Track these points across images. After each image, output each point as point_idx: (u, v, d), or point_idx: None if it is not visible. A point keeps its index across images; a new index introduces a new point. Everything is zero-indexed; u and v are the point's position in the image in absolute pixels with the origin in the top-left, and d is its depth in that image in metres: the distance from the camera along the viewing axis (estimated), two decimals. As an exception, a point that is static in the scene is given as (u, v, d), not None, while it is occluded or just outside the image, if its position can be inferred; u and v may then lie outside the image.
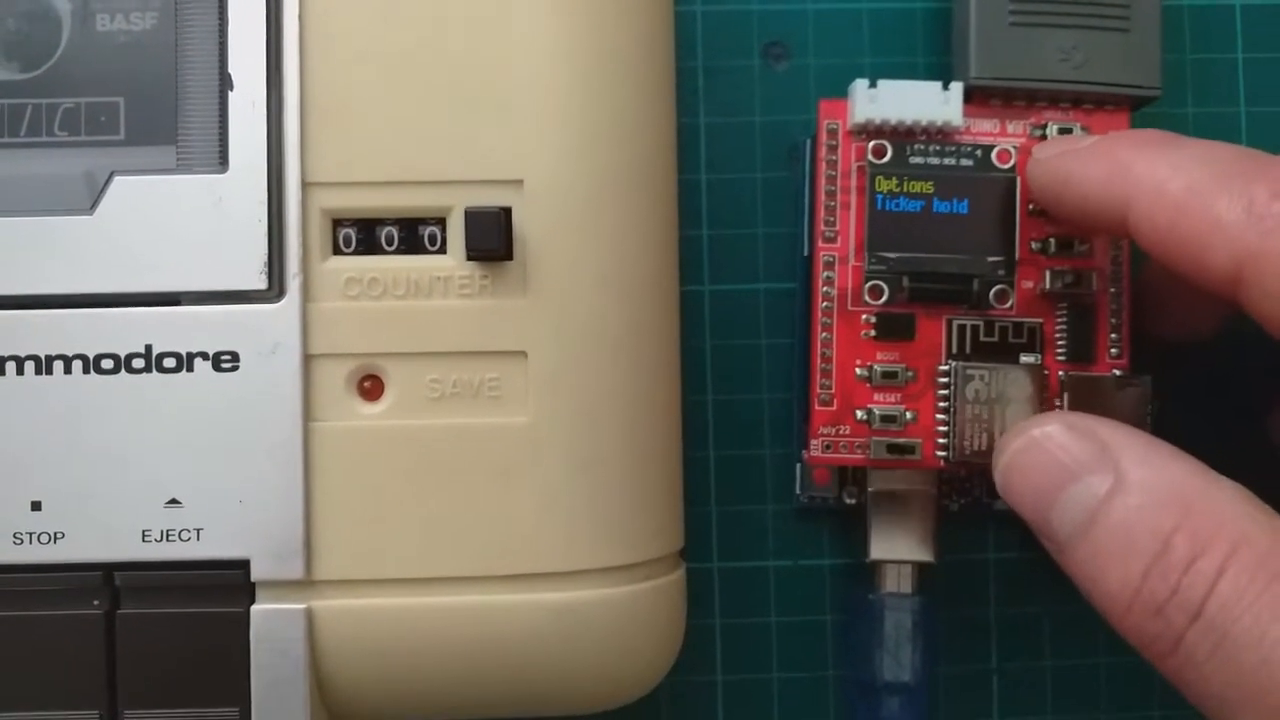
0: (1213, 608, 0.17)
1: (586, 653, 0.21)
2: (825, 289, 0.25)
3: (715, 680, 0.27)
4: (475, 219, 0.20)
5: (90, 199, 0.21)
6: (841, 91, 0.25)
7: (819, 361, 0.25)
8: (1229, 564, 0.17)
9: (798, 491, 0.27)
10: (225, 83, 0.21)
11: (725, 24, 0.28)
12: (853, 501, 0.27)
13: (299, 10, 0.21)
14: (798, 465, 0.27)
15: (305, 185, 0.21)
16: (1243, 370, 0.27)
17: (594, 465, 0.21)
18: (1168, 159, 0.21)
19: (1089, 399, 0.25)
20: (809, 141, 0.26)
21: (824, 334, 0.25)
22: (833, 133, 0.25)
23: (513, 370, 0.21)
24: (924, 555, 0.26)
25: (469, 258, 0.21)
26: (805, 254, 0.26)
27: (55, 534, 0.21)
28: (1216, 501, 0.18)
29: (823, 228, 0.25)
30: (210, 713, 0.20)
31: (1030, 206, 0.25)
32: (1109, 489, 0.19)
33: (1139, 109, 0.26)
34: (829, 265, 0.25)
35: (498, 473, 0.21)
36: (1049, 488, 0.20)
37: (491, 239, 0.20)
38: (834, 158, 0.25)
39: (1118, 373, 0.25)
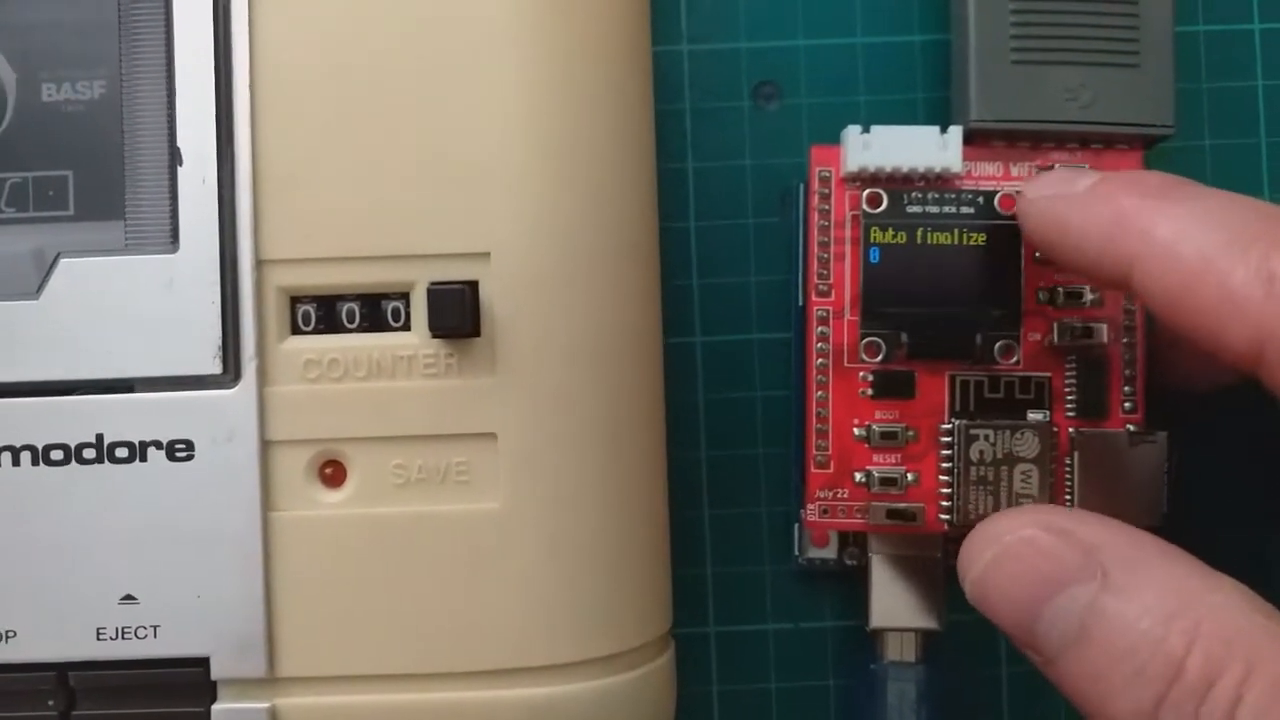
0: None
1: (567, 749, 0.20)
2: (820, 345, 0.24)
3: (712, 751, 0.26)
4: (439, 296, 0.19)
5: (36, 281, 0.20)
6: (836, 132, 0.24)
7: (814, 421, 0.24)
8: (1247, 688, 0.16)
9: (796, 553, 0.26)
10: (175, 157, 0.20)
11: (714, 64, 0.26)
12: (854, 563, 0.25)
13: (250, 79, 0.20)
14: (795, 525, 0.26)
15: (259, 263, 0.20)
16: (1265, 418, 0.26)
17: (572, 551, 0.20)
18: (1177, 216, 0.19)
19: (1101, 457, 0.24)
20: (802, 185, 0.25)
21: (819, 392, 0.24)
22: (825, 180, 0.24)
23: (482, 453, 0.20)
24: (929, 623, 0.25)
25: (434, 335, 0.20)
26: (800, 303, 0.25)
27: (6, 633, 0.20)
28: (1222, 611, 0.17)
29: (816, 281, 0.24)
30: (172, 818, 0.20)
31: (1036, 255, 0.24)
32: (1100, 598, 0.18)
33: (1152, 147, 0.24)
34: (823, 320, 0.24)
35: (469, 562, 0.20)
36: (1031, 600, 0.19)
37: (456, 316, 0.19)
38: (826, 207, 0.24)
39: (1132, 428, 0.24)
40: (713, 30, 0.26)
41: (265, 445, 0.20)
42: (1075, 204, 0.21)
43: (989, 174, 0.24)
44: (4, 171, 0.21)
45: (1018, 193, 0.23)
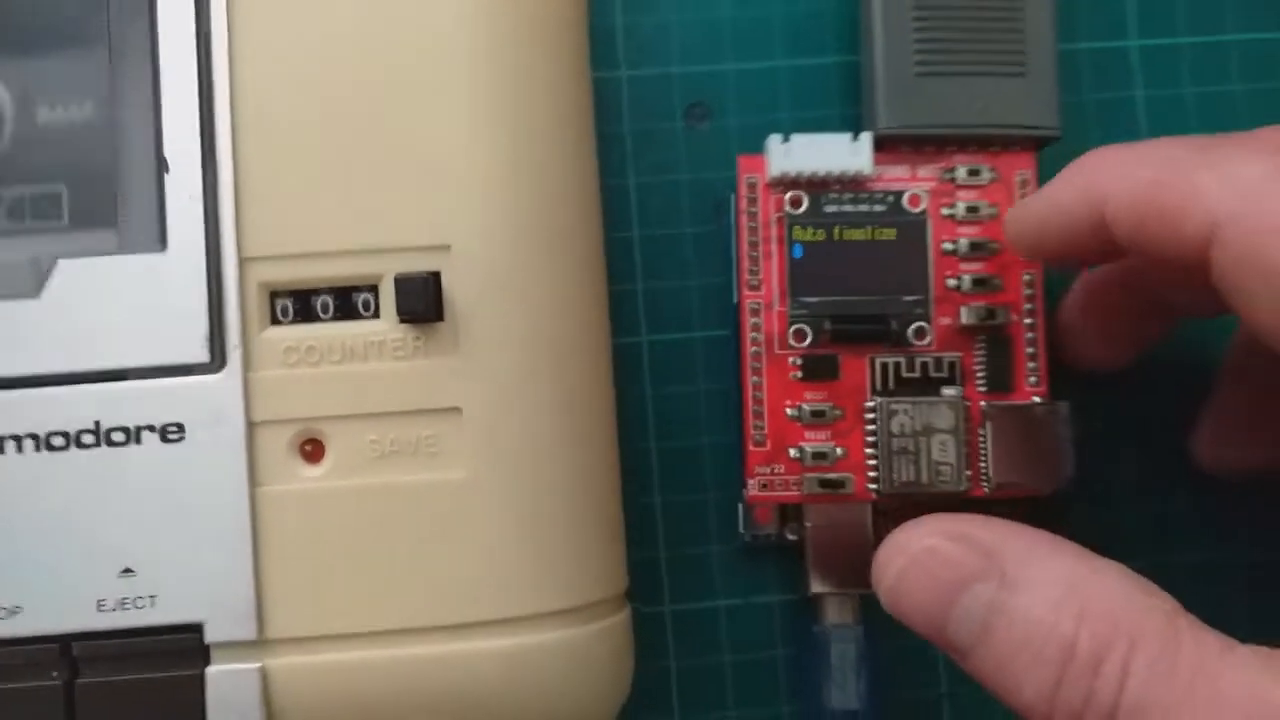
0: (1126, 706, 0.18)
1: (536, 697, 0.22)
2: (753, 334, 0.26)
3: (672, 721, 0.28)
4: (405, 284, 0.21)
5: (37, 283, 0.22)
6: (761, 146, 0.27)
7: (751, 404, 0.26)
8: (1131, 662, 0.18)
9: (741, 530, 0.28)
10: (162, 165, 0.22)
11: (649, 88, 0.29)
12: (794, 538, 0.27)
13: (230, 93, 0.22)
14: (740, 505, 0.28)
15: (242, 260, 0.22)
16: (1162, 392, 0.28)
17: (532, 514, 0.22)
18: (1133, 151, 0.22)
19: (1011, 427, 0.26)
20: (733, 195, 0.28)
21: (754, 377, 0.26)
22: (752, 186, 0.27)
23: (449, 427, 0.22)
24: (863, 586, 0.26)
25: (401, 320, 0.22)
26: (735, 301, 0.27)
27: (12, 608, 0.21)
28: (1106, 592, 0.19)
29: (747, 276, 0.27)
30: (170, 775, 0.21)
31: (942, 246, 0.26)
32: (999, 595, 0.19)
33: (1042, 149, 0.27)
34: (755, 312, 0.26)
35: (440, 526, 0.22)
36: (939, 604, 0.20)
37: (421, 302, 0.21)
38: (754, 209, 0.27)
39: (1037, 400, 0.26)
40: (647, 56, 0.29)
41: (250, 426, 0.22)
42: (1045, 189, 0.23)
43: (898, 175, 0.27)
44: (2, 187, 0.22)
45: (934, 195, 0.26)
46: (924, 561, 0.21)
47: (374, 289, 0.22)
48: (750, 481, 0.26)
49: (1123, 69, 0.29)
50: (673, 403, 0.28)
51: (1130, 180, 0.21)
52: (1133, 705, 0.18)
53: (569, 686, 0.22)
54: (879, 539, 0.26)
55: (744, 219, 0.27)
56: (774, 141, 0.26)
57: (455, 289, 0.22)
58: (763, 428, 0.26)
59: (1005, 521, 0.21)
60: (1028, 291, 0.27)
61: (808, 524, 0.27)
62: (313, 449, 0.22)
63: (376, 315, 0.22)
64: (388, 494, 0.22)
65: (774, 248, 0.26)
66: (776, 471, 0.26)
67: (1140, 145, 0.22)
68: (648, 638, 0.26)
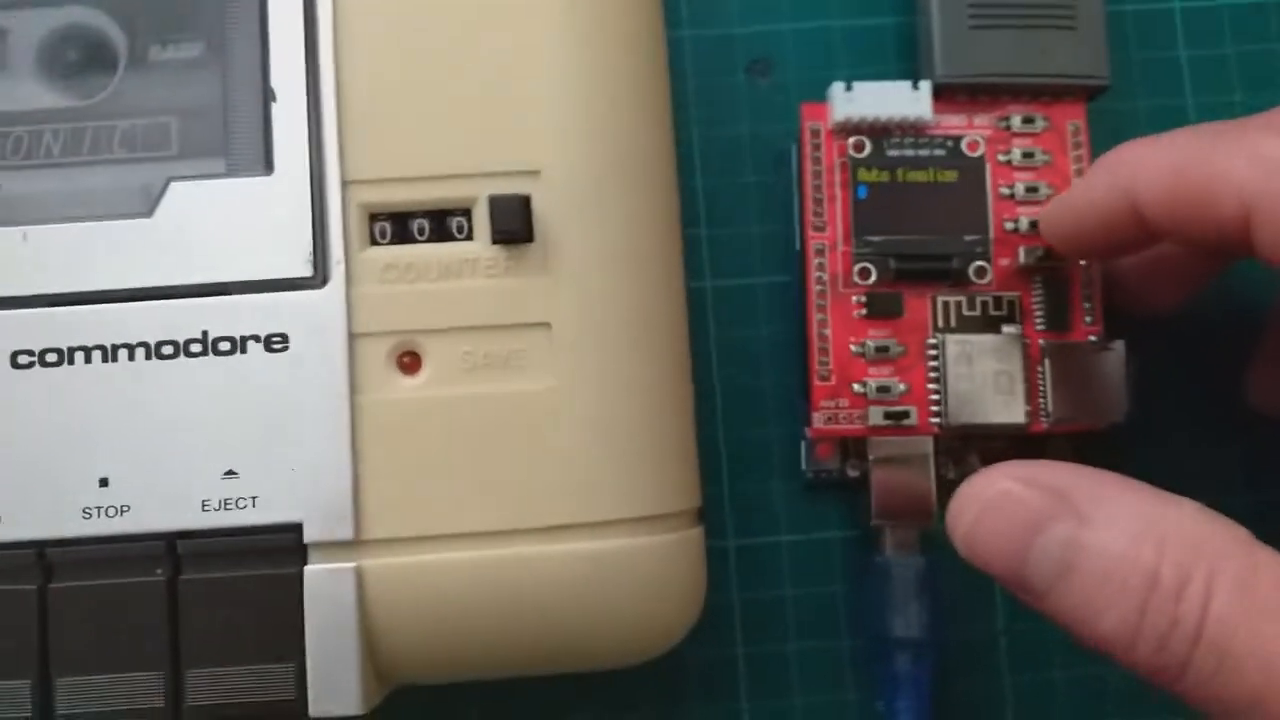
0: (1210, 629, 0.18)
1: (617, 600, 0.23)
2: (818, 274, 0.28)
3: (736, 653, 0.28)
4: (499, 205, 0.23)
5: (149, 204, 0.23)
6: (821, 99, 0.28)
7: (816, 341, 0.27)
8: (1214, 584, 0.18)
9: (803, 467, 0.29)
10: (268, 96, 0.23)
11: (712, 46, 0.30)
12: (856, 474, 0.28)
13: (333, 26, 0.23)
14: (802, 443, 0.29)
15: (344, 183, 0.23)
16: (1217, 334, 0.29)
17: (615, 424, 0.23)
18: (1158, 141, 0.23)
19: (1068, 364, 0.27)
20: (794, 146, 0.29)
21: (819, 315, 0.27)
22: (815, 133, 0.28)
23: (537, 341, 0.23)
24: (924, 519, 0.27)
25: (494, 241, 0.23)
26: (797, 248, 0.28)
27: (121, 507, 0.22)
28: (1183, 524, 0.19)
29: (811, 218, 0.28)
30: (267, 669, 0.22)
31: (1000, 190, 0.27)
32: (1077, 532, 0.20)
33: (1093, 99, 0.28)
34: (820, 252, 0.28)
35: (528, 434, 0.23)
36: (1016, 546, 0.20)
37: (514, 223, 0.23)
38: (818, 154, 0.28)
39: (1093, 339, 0.27)
40: (709, 16, 0.30)
41: (351, 337, 0.23)
42: (1077, 185, 0.25)
43: (956, 124, 0.28)
44: (117, 120, 0.24)
45: (990, 141, 0.27)
46: (999, 505, 0.21)
47: (467, 212, 0.23)
48: (815, 415, 0.27)
49: (1167, 29, 0.31)
50: (736, 344, 0.29)
51: (1158, 169, 0.22)
52: (1217, 626, 0.18)
53: (647, 592, 0.23)
54: (939, 473, 0.28)
55: (808, 163, 0.28)
56: (837, 88, 0.27)
57: (544, 212, 0.23)
58: (827, 363, 0.27)
59: (1073, 465, 0.21)
60: (1082, 233, 0.27)
61: (871, 456, 0.27)
62: (410, 361, 0.23)
63: (470, 237, 0.23)
64: (479, 403, 0.23)
65: (838, 191, 0.28)
66: (841, 405, 0.27)
67: (1166, 135, 0.23)
68: (711, 572, 0.27)
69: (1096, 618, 0.19)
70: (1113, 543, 0.19)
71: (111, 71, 0.24)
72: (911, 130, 0.28)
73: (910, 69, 0.30)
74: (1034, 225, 0.27)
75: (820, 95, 0.28)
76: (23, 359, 0.22)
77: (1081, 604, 0.20)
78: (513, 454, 0.23)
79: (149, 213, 0.23)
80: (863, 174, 0.27)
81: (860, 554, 0.29)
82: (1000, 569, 0.21)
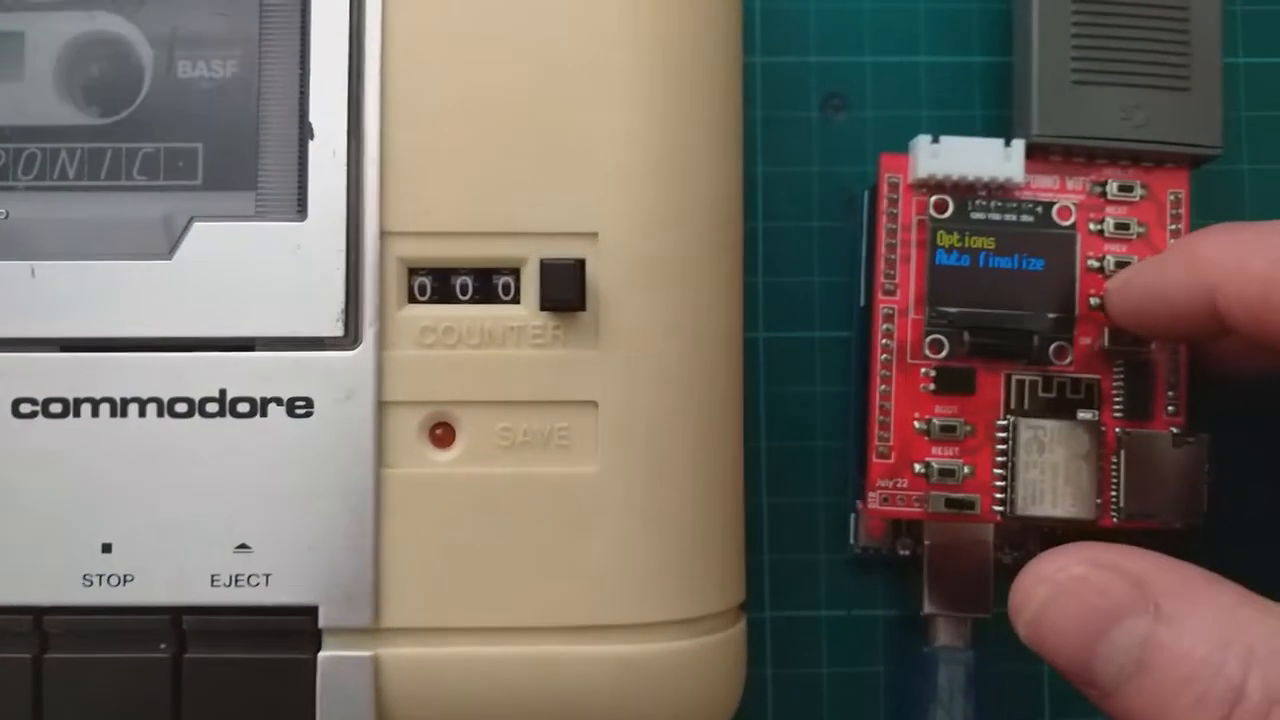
0: None
1: (649, 706, 0.21)
2: (884, 341, 0.25)
3: (766, 731, 0.27)
4: (551, 270, 0.21)
5: (169, 244, 0.21)
6: (898, 143, 0.26)
7: (877, 414, 0.25)
8: None
9: (852, 541, 0.27)
10: (305, 131, 0.21)
11: (784, 75, 0.28)
12: (906, 553, 0.27)
13: (380, 60, 0.21)
14: (852, 515, 0.27)
15: (383, 234, 0.21)
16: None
17: (662, 516, 0.21)
18: (1243, 241, 0.21)
19: (1146, 456, 0.25)
20: (867, 193, 0.26)
21: (883, 386, 0.25)
22: (894, 186, 0.26)
23: (583, 420, 0.21)
24: (978, 609, 0.26)
25: (543, 308, 0.21)
26: (862, 304, 0.26)
27: (125, 576, 0.21)
28: (1275, 633, 0.18)
29: (882, 280, 0.25)
30: (275, 759, 0.20)
31: (1089, 263, 0.25)
32: (1155, 630, 0.18)
33: (1198, 167, 0.26)
34: (888, 318, 0.25)
35: (567, 522, 0.21)
36: (1087, 635, 0.19)
37: (566, 290, 0.21)
38: (895, 211, 0.26)
39: (1175, 430, 0.25)
40: (786, 44, 0.28)
41: (381, 405, 0.21)
42: (1153, 266, 0.23)
43: (1047, 186, 0.26)
44: (138, 142, 0.22)
45: (1083, 208, 0.25)
46: (1072, 591, 0.20)
47: (516, 273, 0.21)
48: (871, 494, 0.25)
49: (1280, 86, 0.28)
50: (787, 403, 0.28)
51: (1247, 276, 0.21)
52: None
53: (681, 698, 0.22)
54: (998, 562, 0.26)
55: (883, 219, 0.26)
56: (922, 142, 0.25)
57: (599, 278, 0.21)
58: (888, 439, 0.25)
59: (1156, 554, 0.20)
60: (1173, 316, 0.25)
61: (926, 541, 0.26)
62: (443, 433, 0.21)
63: (517, 300, 0.21)
64: (516, 485, 0.21)
65: (913, 251, 0.25)
66: (899, 486, 0.25)
67: (1254, 231, 0.21)
68: (747, 643, 0.26)
69: None
70: (1195, 646, 0.18)
71: (136, 88, 0.22)
72: (999, 192, 0.25)
73: (997, 115, 0.28)
74: (1122, 303, 0.25)
75: (899, 137, 0.26)
76: (25, 407, 0.21)
77: (1153, 709, 0.18)
78: (549, 543, 0.21)
79: (169, 254, 0.21)
80: (943, 237, 0.25)
81: (905, 636, 0.27)
82: (1066, 660, 0.20)
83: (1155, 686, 0.18)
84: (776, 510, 0.27)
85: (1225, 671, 0.18)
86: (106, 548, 0.21)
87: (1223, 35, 0.25)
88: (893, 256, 0.26)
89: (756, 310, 0.28)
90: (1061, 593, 0.20)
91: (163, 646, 0.21)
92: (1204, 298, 0.21)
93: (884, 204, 0.26)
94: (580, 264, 0.21)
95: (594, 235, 0.21)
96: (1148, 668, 0.18)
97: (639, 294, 0.21)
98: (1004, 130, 0.27)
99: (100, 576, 0.21)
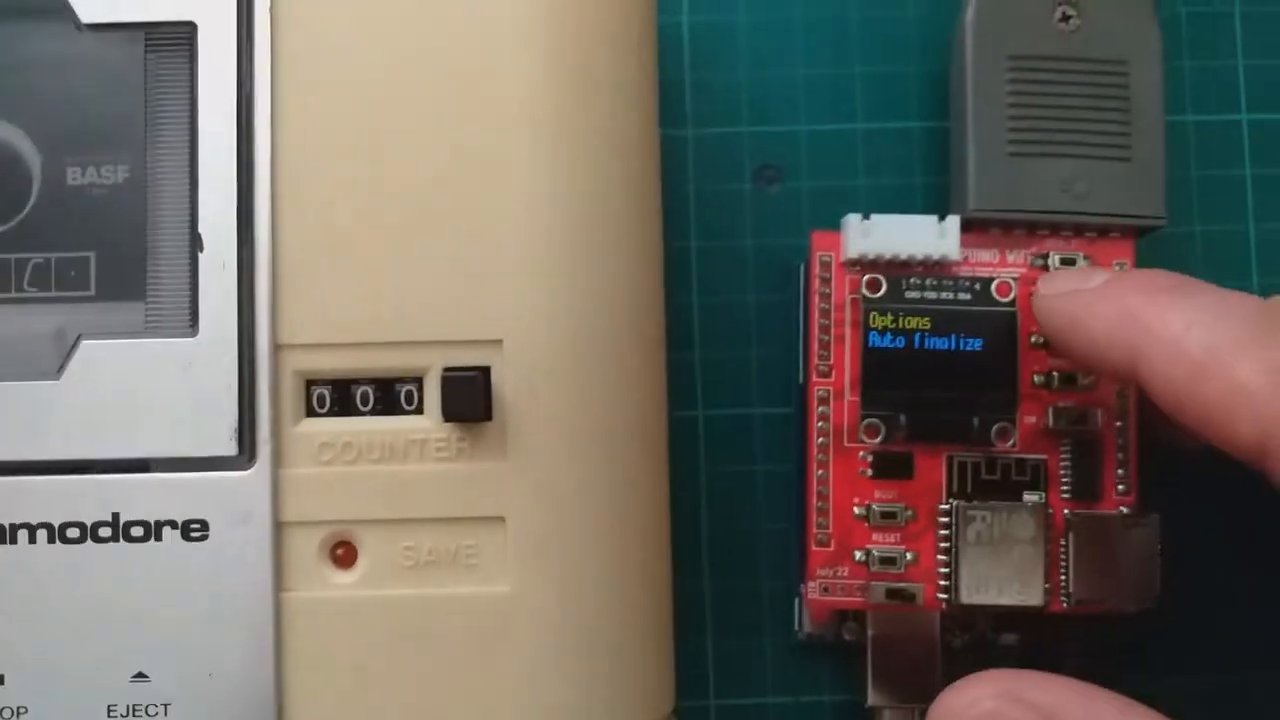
0: None
1: (573, 830, 0.20)
2: (820, 424, 0.25)
3: (712, 824, 0.26)
4: (452, 382, 0.20)
5: (57, 362, 0.20)
6: (836, 214, 0.25)
7: (815, 500, 0.25)
8: None
9: (796, 627, 0.26)
10: (195, 242, 0.20)
11: (716, 147, 0.27)
12: (852, 639, 0.26)
13: (271, 168, 0.20)
14: (796, 600, 0.26)
15: (277, 348, 0.20)
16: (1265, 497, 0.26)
17: (579, 634, 0.20)
18: (1180, 312, 0.20)
19: (1096, 539, 0.24)
20: (803, 265, 0.26)
21: (820, 471, 0.25)
22: (825, 264, 0.25)
23: (491, 537, 0.20)
24: (925, 700, 0.25)
25: (446, 419, 0.20)
26: (800, 380, 0.26)
27: (18, 709, 0.20)
28: None
29: (816, 361, 0.25)
30: None
31: (1032, 339, 0.24)
32: None
33: (1143, 236, 0.25)
34: (823, 400, 0.25)
35: (477, 644, 0.20)
36: None
37: (469, 402, 0.20)
38: (827, 290, 0.25)
39: (1125, 510, 0.24)
40: (717, 115, 0.27)
41: (279, 526, 0.20)
42: (1085, 300, 0.22)
43: (985, 260, 0.25)
44: (28, 252, 0.21)
45: (1032, 290, 0.24)
46: None
47: (418, 382, 0.21)
48: (811, 584, 0.24)
49: (1233, 143, 0.27)
50: (728, 483, 0.27)
51: (1173, 360, 0.19)
52: None
53: (609, 818, 0.21)
54: (947, 646, 0.25)
55: (815, 299, 0.25)
56: (852, 220, 0.24)
57: (506, 386, 0.20)
58: (826, 526, 0.24)
59: (1068, 681, 0.19)
60: (1120, 391, 0.24)
61: (870, 631, 0.25)
62: (344, 553, 0.20)
63: (420, 410, 0.21)
64: (422, 606, 0.20)
65: (847, 331, 0.25)
66: (839, 575, 0.24)
67: (1190, 303, 0.20)
68: (692, 734, 0.25)
69: None
70: None
71: (25, 195, 0.21)
72: (935, 269, 0.24)
73: (939, 182, 0.27)
74: (1066, 380, 0.24)
75: (836, 207, 0.25)
76: (-94, 535, 0.20)
77: None
78: (459, 667, 0.20)
79: (56, 374, 0.20)
80: (875, 319, 0.24)
81: (854, 722, 0.26)
82: None
83: None
84: (719, 595, 0.27)
85: None
86: (-1, 680, 0.20)
87: (1163, 99, 0.24)
88: (826, 338, 0.25)
89: (694, 387, 0.27)
90: None
91: (59, 782, 0.20)
92: (1126, 356, 0.20)
93: (816, 284, 0.25)
94: (484, 373, 0.20)
95: (499, 342, 0.20)
96: None
97: (548, 401, 0.20)
98: (946, 198, 0.26)
99: (-8, 711, 0.20)
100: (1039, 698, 0.19)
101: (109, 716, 0.20)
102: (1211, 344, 0.19)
